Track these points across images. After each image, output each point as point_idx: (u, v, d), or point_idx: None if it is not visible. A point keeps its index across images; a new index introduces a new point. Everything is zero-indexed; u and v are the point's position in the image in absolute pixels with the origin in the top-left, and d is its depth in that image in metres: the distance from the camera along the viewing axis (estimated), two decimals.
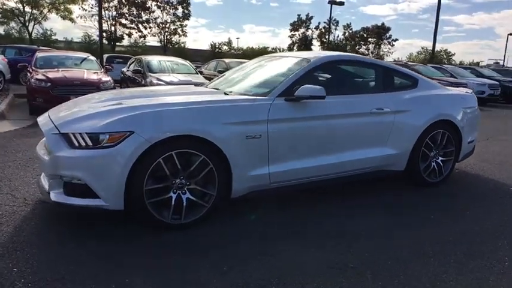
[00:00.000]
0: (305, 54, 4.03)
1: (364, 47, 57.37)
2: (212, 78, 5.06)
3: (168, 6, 45.68)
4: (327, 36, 53.44)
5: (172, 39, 48.19)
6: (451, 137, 4.11)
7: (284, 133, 3.14)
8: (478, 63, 17.20)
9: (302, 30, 56.72)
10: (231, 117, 2.95)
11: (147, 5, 43.96)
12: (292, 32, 57.19)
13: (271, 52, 58.79)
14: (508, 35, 48.25)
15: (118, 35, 42.61)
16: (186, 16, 49.02)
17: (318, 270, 2.39)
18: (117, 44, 42.78)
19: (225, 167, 2.91)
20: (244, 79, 3.96)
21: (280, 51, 54.24)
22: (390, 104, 3.74)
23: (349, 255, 2.58)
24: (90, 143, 2.63)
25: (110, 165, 2.60)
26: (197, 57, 33.66)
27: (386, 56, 56.33)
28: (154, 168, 2.69)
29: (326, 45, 45.27)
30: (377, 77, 3.95)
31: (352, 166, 3.57)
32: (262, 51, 54.60)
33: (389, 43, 57.67)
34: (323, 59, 3.61)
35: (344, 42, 57.17)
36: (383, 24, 56.45)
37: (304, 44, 54.57)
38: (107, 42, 38.22)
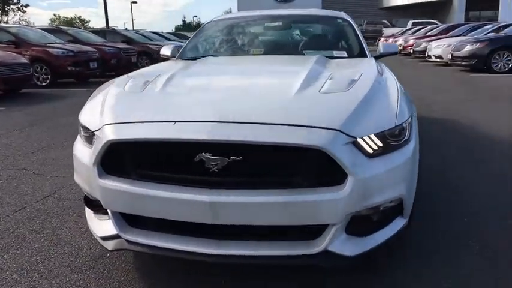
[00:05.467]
0: (319, 11, 3.77)
1: None
2: None
3: None
4: None
5: None
6: None
7: None
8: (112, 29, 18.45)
9: None
10: None
11: None
12: None
13: None
14: (131, 2, 54.17)
15: None
16: None
17: None
18: None
19: None
20: (307, 41, 3.26)
21: None
22: None
23: None
24: (379, 144, 1.74)
25: (413, 164, 1.88)
26: None
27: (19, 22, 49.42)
28: None
29: None
30: None
31: None
32: None
33: (19, 9, 50.77)
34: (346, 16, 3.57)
35: None
36: None
37: None
38: None
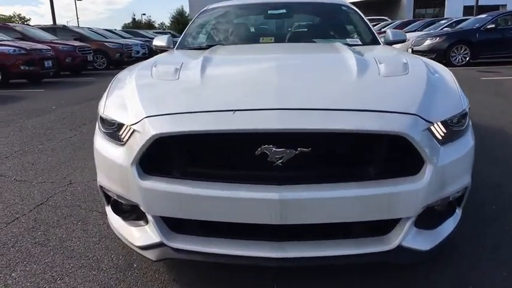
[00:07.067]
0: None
1: None
2: None
3: None
4: None
5: None
6: None
7: None
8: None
9: None
10: None
11: None
12: None
13: None
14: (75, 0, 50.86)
15: None
16: None
17: None
18: None
19: None
20: (317, 29, 3.23)
21: None
22: None
23: None
24: (444, 131, 1.61)
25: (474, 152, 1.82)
26: None
27: None
28: None
29: None
30: None
31: None
32: None
33: None
34: (350, 4, 3.51)
35: None
36: None
37: None
38: None
